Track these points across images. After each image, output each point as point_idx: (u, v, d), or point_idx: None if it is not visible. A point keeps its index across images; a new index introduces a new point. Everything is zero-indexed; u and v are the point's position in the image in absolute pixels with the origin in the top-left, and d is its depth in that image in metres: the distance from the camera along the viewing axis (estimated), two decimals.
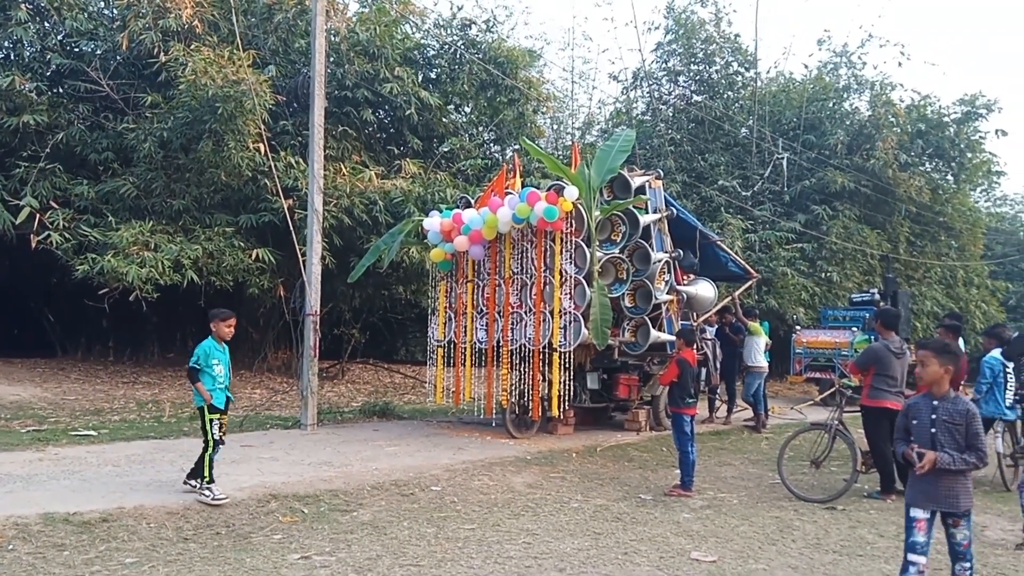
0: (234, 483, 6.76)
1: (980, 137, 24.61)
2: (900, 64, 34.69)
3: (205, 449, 6.17)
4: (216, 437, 6.19)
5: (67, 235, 12.14)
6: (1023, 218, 38.28)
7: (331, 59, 14.39)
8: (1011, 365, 8.43)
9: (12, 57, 14.12)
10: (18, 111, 12.62)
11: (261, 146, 12.23)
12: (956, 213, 25.95)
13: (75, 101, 13.77)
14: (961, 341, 9.49)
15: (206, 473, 6.11)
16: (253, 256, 13.01)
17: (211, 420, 6.19)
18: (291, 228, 10.98)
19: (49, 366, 14.83)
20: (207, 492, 6.05)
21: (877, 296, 17.24)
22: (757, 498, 7.52)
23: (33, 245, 11.96)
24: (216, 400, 6.21)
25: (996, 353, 8.48)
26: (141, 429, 9.64)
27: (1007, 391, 8.36)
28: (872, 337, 11.75)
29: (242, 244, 13.08)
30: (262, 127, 12.36)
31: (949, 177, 25.75)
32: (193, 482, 6.19)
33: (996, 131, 24.56)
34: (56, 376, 13.94)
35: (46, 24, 14.17)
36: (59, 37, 14.24)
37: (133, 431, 9.44)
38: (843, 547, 5.88)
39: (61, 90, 14.17)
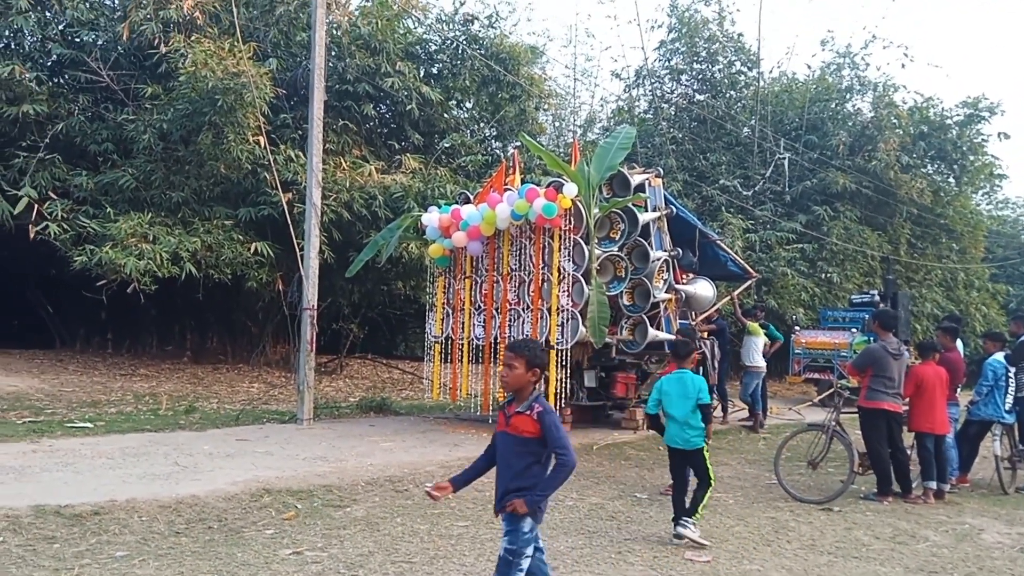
0: (227, 477, 6.73)
1: (982, 140, 24.53)
2: (903, 66, 34.37)
3: (706, 487, 5.82)
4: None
5: (65, 226, 12.11)
6: None
7: (332, 53, 14.33)
8: (1013, 369, 8.42)
9: (12, 47, 14.09)
10: (18, 101, 12.59)
11: (261, 139, 12.19)
12: (957, 215, 25.88)
13: (75, 91, 13.73)
14: (960, 343, 9.45)
15: (700, 511, 5.80)
16: (252, 249, 12.98)
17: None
18: (289, 222, 10.95)
19: (47, 357, 14.81)
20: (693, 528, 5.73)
21: (877, 297, 17.20)
22: (753, 498, 7.48)
23: (31, 236, 11.93)
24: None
25: (999, 356, 8.46)
26: (137, 422, 9.62)
27: (1007, 395, 8.34)
28: (871, 338, 11.73)
29: (241, 237, 13.05)
30: (262, 120, 12.32)
31: (951, 179, 25.68)
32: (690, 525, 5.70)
33: (999, 134, 24.52)
34: (54, 367, 13.92)
35: (47, 14, 14.13)
36: (60, 27, 14.20)
37: (129, 423, 9.42)
38: (838, 548, 5.85)
39: (61, 80, 14.14)
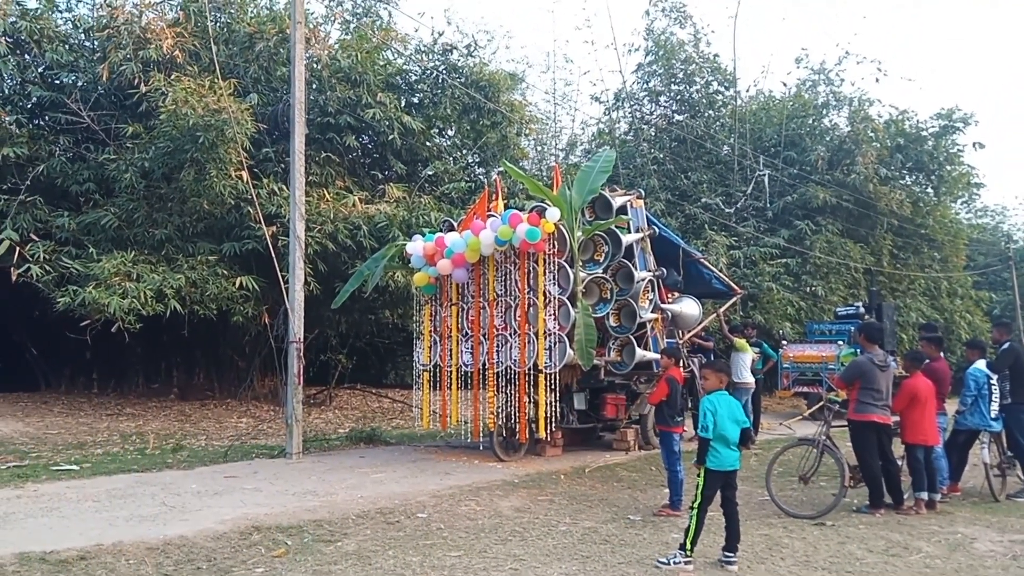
0: (216, 516, 6.66)
1: (958, 150, 24.95)
2: (877, 80, 34.91)
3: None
4: None
5: (48, 267, 12.03)
6: (1004, 228, 38.73)
7: (313, 86, 14.42)
8: (995, 377, 8.47)
9: None
10: None
11: (243, 174, 12.19)
12: (938, 225, 26.21)
13: (56, 133, 13.73)
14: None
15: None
16: (237, 284, 12.92)
17: None
18: (273, 255, 10.94)
19: (32, 400, 14.65)
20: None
21: (862, 309, 17.32)
22: (746, 516, 7.44)
23: (13, 279, 11.85)
24: None
25: (981, 365, 8.51)
26: (124, 462, 9.50)
27: (992, 403, 8.39)
28: (858, 351, 11.80)
29: (226, 272, 13.00)
30: (244, 155, 12.34)
31: (929, 190, 26.04)
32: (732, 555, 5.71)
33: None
34: (39, 410, 13.76)
35: (26, 57, 14.16)
36: (39, 69, 14.23)
37: (116, 464, 9.30)
38: (832, 564, 5.84)
39: (42, 122, 14.13)
